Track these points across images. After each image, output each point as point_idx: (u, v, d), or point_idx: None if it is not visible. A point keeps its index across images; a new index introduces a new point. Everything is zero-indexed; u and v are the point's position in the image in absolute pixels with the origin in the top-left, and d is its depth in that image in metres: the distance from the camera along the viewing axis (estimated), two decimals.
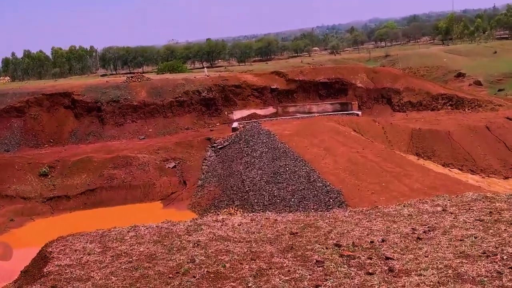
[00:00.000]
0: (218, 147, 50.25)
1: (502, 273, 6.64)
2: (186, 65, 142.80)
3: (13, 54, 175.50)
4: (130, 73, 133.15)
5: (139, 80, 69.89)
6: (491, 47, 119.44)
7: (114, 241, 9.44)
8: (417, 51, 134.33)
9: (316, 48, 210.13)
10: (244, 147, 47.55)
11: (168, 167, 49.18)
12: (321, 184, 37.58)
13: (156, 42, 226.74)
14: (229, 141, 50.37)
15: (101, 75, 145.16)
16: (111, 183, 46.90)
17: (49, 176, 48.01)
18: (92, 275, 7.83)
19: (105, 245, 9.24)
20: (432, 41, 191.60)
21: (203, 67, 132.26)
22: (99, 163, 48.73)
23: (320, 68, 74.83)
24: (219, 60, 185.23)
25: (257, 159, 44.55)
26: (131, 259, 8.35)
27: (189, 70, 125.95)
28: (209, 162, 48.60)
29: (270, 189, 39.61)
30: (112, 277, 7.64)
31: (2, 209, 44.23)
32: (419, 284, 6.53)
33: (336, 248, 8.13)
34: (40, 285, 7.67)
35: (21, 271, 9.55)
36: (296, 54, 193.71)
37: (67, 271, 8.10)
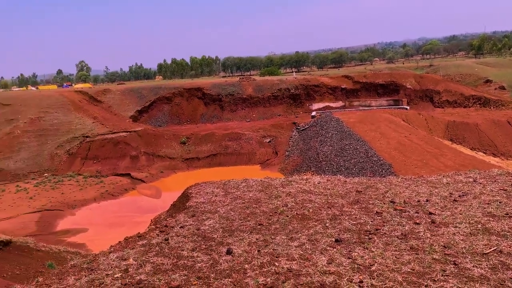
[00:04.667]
0: (301, 129, 49.98)
1: None
2: (280, 70, 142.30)
3: (164, 61, 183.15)
4: (242, 75, 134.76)
5: (247, 80, 70.75)
6: None
7: (232, 188, 9.65)
8: (455, 62, 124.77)
9: (376, 59, 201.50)
10: (319, 130, 46.96)
11: (265, 141, 49.69)
12: (376, 159, 36.43)
13: (260, 53, 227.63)
14: (309, 125, 49.95)
15: (222, 76, 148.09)
16: (226, 151, 48.12)
17: (186, 144, 49.94)
18: (218, 210, 8.08)
19: (226, 191, 9.46)
20: (467, 55, 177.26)
21: (292, 72, 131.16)
22: (219, 137, 50.05)
23: (379, 73, 71.88)
24: (304, 67, 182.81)
25: (328, 138, 43.88)
26: (244, 201, 8.52)
27: (282, 73, 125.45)
28: (294, 139, 48.53)
29: (338, 160, 38.94)
30: (232, 212, 7.84)
31: (155, 164, 46.75)
32: (454, 233, 6.19)
33: (391, 204, 7.84)
34: (184, 214, 8.02)
35: (171, 204, 9.99)
36: (361, 63, 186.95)
37: (202, 206, 8.41)
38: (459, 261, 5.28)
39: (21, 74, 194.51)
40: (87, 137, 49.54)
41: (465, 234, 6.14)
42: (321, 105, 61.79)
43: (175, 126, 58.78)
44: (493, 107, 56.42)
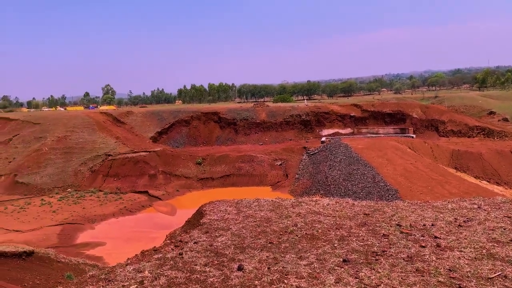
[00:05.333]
0: (311, 153, 49.75)
1: None
2: (292, 97, 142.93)
3: (184, 86, 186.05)
4: (256, 101, 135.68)
5: (261, 106, 71.20)
6: None
7: (244, 207, 9.59)
8: (459, 94, 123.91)
9: (384, 89, 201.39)
10: (328, 155, 46.70)
11: (277, 164, 49.50)
12: (383, 184, 35.96)
13: (273, 81, 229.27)
14: (319, 149, 49.72)
15: (238, 102, 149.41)
16: (239, 172, 48.03)
17: (202, 164, 50.01)
18: (230, 227, 8.02)
19: (239, 209, 9.40)
20: (471, 88, 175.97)
21: (304, 99, 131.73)
22: (233, 159, 50.05)
23: (386, 103, 71.68)
24: (315, 95, 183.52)
25: (337, 163, 43.56)
26: (255, 220, 8.46)
27: (294, 101, 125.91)
28: (304, 163, 48.26)
29: (346, 184, 38.53)
30: (243, 230, 7.78)
31: (172, 183, 46.79)
32: (460, 257, 6.04)
33: (398, 227, 7.71)
34: (198, 230, 7.98)
35: (185, 221, 9.94)
36: (369, 93, 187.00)
37: (215, 223, 8.36)
38: (464, 284, 5.13)
39: (51, 96, 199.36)
40: (109, 155, 50.04)
41: (470, 258, 5.98)
42: (330, 131, 61.65)
43: (191, 147, 59.08)
44: (497, 138, 55.61)
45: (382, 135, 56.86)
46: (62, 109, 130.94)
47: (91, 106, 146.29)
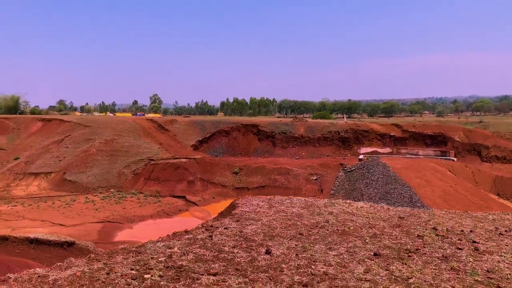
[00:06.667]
0: (348, 170, 48.69)
1: None
2: (332, 115, 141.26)
3: (227, 99, 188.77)
4: (295, 116, 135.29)
5: (300, 121, 70.91)
6: None
7: (277, 203, 9.50)
8: (506, 120, 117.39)
9: (426, 112, 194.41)
10: (365, 172, 45.55)
11: (312, 179, 48.84)
12: (420, 205, 34.53)
13: (314, 99, 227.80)
14: (356, 167, 48.60)
15: (277, 116, 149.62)
16: (275, 184, 47.71)
17: (238, 174, 50.16)
18: (261, 218, 7.94)
19: (271, 205, 9.31)
20: None
21: (343, 117, 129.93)
22: (269, 170, 49.87)
23: (428, 125, 69.11)
24: (355, 114, 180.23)
25: (374, 181, 42.40)
26: (286, 215, 8.33)
27: (333, 118, 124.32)
28: (340, 179, 47.30)
29: (382, 203, 37.35)
30: (274, 222, 7.67)
31: (209, 190, 47.21)
32: (499, 261, 5.62)
33: (433, 230, 7.31)
34: (229, 219, 7.97)
35: (218, 213, 9.96)
36: (411, 115, 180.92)
37: (246, 214, 8.32)
38: (503, 285, 4.75)
39: (103, 102, 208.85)
40: (152, 160, 51.41)
41: (510, 263, 5.54)
42: (369, 149, 60.20)
43: (230, 157, 59.52)
44: None
45: (422, 157, 54.83)
46: (111, 114, 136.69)
47: (138, 113, 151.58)
